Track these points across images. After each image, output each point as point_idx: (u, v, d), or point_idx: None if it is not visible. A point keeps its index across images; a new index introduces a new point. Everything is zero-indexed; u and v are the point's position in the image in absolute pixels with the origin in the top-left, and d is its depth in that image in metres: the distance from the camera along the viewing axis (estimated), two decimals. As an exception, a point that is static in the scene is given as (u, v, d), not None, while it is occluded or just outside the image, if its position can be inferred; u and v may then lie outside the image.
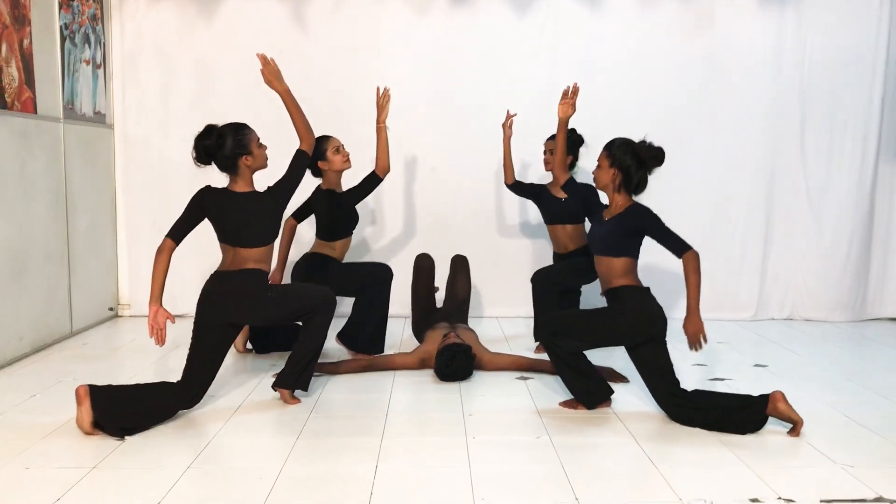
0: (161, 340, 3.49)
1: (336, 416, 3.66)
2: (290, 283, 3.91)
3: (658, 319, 3.53)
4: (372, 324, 4.75)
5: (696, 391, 3.56)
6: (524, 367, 4.44)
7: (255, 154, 3.65)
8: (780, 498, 2.76)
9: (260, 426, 3.52)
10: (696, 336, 3.45)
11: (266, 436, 3.41)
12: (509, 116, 5.07)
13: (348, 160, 4.68)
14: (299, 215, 4.90)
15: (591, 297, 5.36)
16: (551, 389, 4.09)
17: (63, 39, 5.18)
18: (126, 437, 3.30)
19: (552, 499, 2.74)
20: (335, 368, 4.38)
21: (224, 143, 3.58)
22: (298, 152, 3.84)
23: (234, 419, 3.59)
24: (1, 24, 4.48)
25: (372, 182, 4.68)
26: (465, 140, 6.00)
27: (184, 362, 3.61)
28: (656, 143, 3.62)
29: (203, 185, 3.68)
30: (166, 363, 4.56)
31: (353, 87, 5.90)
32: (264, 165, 3.74)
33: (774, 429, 3.42)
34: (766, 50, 5.97)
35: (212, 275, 3.67)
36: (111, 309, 5.92)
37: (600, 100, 5.82)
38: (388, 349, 4.88)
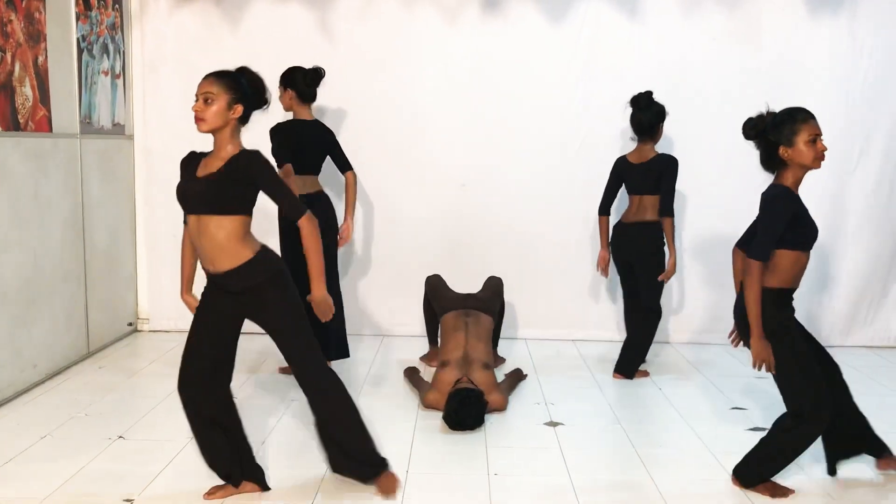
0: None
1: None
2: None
3: None
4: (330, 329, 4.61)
5: None
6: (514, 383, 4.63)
7: None
8: None
9: (280, 474, 3.33)
10: None
11: (278, 495, 3.23)
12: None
13: None
14: None
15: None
16: (581, 443, 3.92)
17: (80, 52, 5.00)
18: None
19: None
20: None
21: None
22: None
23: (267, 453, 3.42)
24: (14, 42, 4.30)
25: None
26: (496, 155, 5.76)
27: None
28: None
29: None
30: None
31: (381, 97, 5.69)
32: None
33: None
34: (816, 59, 5.63)
35: None
36: (130, 324, 5.79)
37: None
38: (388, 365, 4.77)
